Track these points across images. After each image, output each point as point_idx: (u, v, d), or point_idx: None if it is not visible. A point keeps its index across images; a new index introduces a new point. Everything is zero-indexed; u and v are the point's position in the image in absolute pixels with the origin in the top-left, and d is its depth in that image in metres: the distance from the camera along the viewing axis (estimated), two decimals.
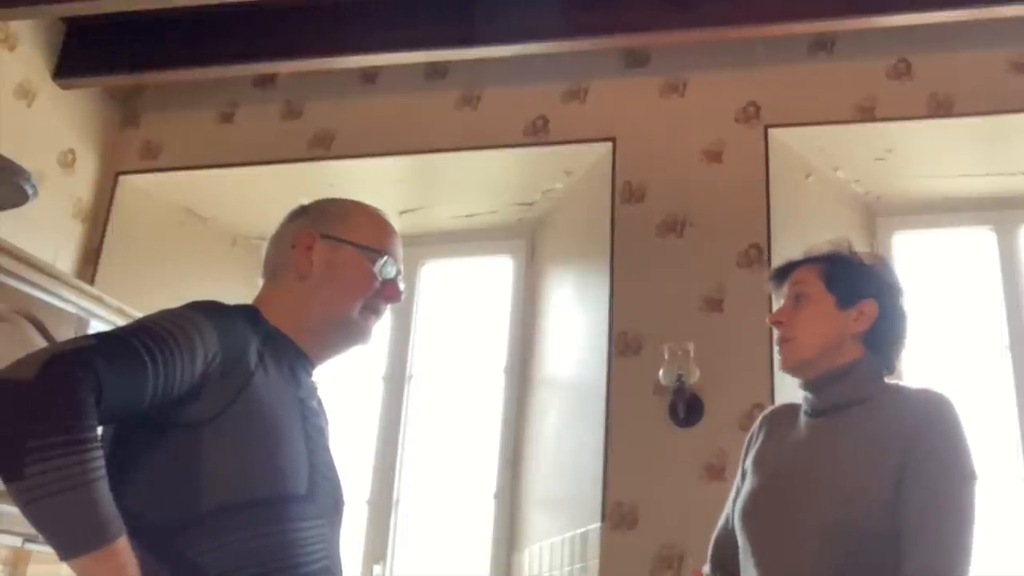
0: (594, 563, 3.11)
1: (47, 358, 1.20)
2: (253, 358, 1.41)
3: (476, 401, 3.89)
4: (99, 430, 1.25)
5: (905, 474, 1.67)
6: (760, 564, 1.73)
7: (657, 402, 3.24)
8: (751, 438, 1.96)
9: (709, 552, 1.99)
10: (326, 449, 1.53)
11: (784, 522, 1.73)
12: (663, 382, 3.22)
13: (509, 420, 3.77)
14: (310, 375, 1.57)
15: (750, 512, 1.81)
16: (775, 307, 1.94)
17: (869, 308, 1.83)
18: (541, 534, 3.45)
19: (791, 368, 1.85)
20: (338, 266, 1.57)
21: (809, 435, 1.82)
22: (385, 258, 1.60)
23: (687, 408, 3.20)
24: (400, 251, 1.66)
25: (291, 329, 1.54)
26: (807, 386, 1.85)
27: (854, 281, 1.85)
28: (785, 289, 1.91)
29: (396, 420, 3.86)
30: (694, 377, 3.20)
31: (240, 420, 1.36)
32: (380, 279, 1.60)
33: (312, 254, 1.57)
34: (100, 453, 1.20)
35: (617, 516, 3.13)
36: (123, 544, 1.20)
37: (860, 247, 1.94)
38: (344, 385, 3.91)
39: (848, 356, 1.82)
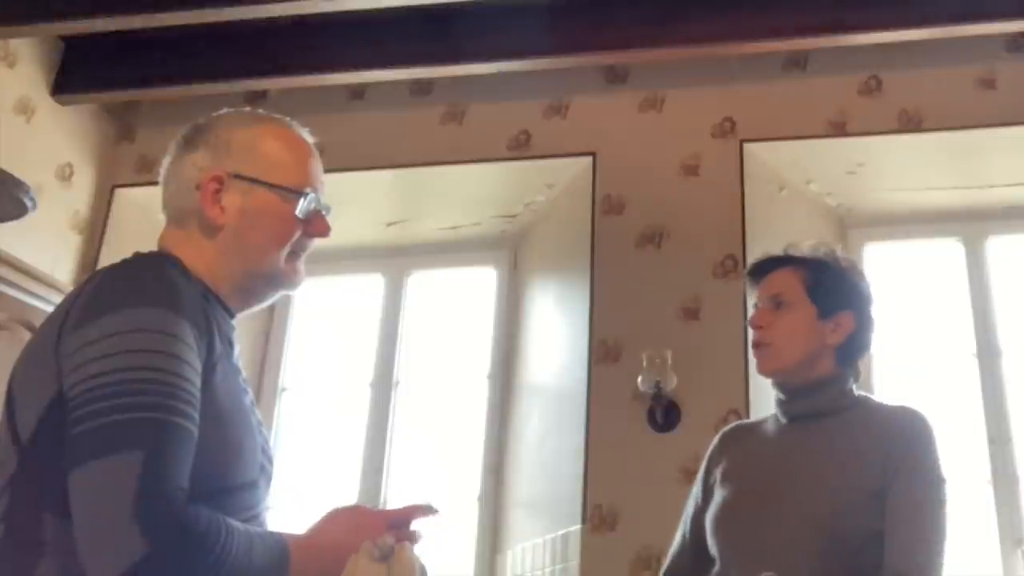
0: (575, 564, 3.15)
1: (140, 526, 1.07)
2: (217, 346, 1.28)
3: (461, 407, 3.92)
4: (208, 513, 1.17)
5: (887, 480, 1.69)
6: (743, 565, 1.71)
7: (636, 408, 3.28)
8: (712, 457, 1.94)
9: None
10: (260, 425, 1.38)
11: (768, 521, 1.72)
12: (642, 388, 3.26)
13: (493, 425, 3.81)
14: (233, 328, 1.40)
15: (728, 519, 1.79)
16: (750, 310, 1.92)
17: (846, 320, 1.82)
18: (523, 535, 3.48)
19: (769, 373, 1.85)
20: (255, 215, 1.37)
21: (785, 442, 1.82)
22: (308, 196, 1.41)
23: (665, 414, 3.26)
24: (321, 173, 1.45)
25: (211, 283, 1.36)
26: (782, 388, 1.85)
27: (837, 292, 1.83)
28: (760, 289, 1.88)
29: (383, 425, 3.89)
30: (672, 384, 3.25)
31: (206, 410, 1.25)
32: (305, 219, 1.41)
33: (222, 199, 1.36)
34: (232, 539, 1.15)
35: (597, 518, 3.18)
36: (295, 555, 1.22)
37: (840, 253, 1.94)
38: (332, 391, 3.97)
39: (822, 368, 1.81)
